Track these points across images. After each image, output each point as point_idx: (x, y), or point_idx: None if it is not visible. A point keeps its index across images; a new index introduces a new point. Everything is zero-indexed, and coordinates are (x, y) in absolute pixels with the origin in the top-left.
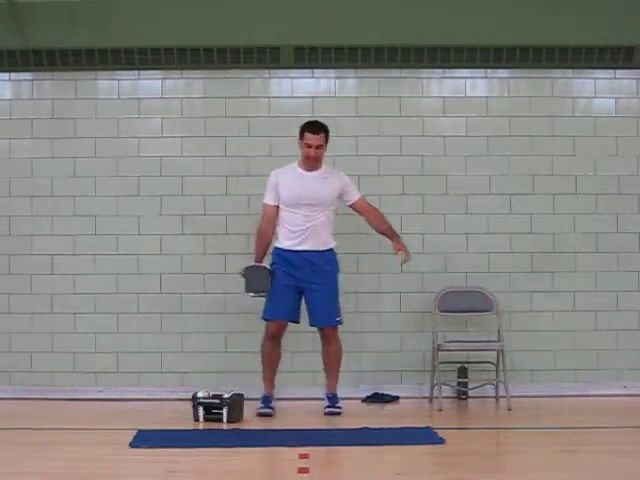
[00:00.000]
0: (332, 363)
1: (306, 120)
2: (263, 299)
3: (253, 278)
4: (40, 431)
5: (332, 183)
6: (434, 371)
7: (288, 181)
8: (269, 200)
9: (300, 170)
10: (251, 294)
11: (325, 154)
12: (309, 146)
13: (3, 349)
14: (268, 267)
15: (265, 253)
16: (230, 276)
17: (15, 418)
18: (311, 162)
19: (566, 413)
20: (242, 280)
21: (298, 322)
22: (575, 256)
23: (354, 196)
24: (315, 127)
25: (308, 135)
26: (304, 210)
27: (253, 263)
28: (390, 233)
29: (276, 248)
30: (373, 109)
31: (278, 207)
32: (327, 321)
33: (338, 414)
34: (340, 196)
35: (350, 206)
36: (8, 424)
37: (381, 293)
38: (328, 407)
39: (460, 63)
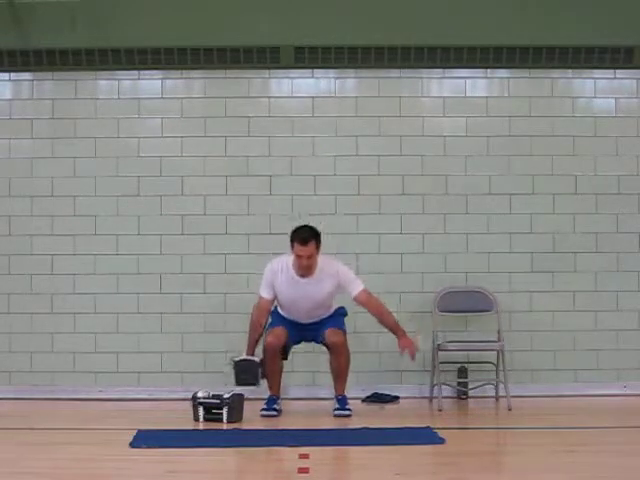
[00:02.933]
0: (341, 372)
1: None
2: None
3: (243, 372)
4: (40, 431)
5: (328, 282)
6: (434, 371)
7: (283, 285)
8: (265, 294)
9: (294, 275)
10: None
11: (325, 154)
12: (300, 257)
13: (3, 349)
14: (258, 360)
15: (257, 344)
16: (230, 276)
17: (15, 418)
18: (305, 271)
19: (566, 413)
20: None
21: (286, 359)
22: (575, 256)
23: (354, 291)
24: (304, 238)
25: (297, 246)
26: (303, 307)
27: (243, 356)
28: (395, 329)
29: (277, 311)
30: (373, 109)
31: (273, 300)
32: (327, 334)
33: (348, 416)
34: (340, 290)
35: (353, 300)
36: (8, 424)
37: (381, 293)
38: (337, 409)
39: (460, 63)
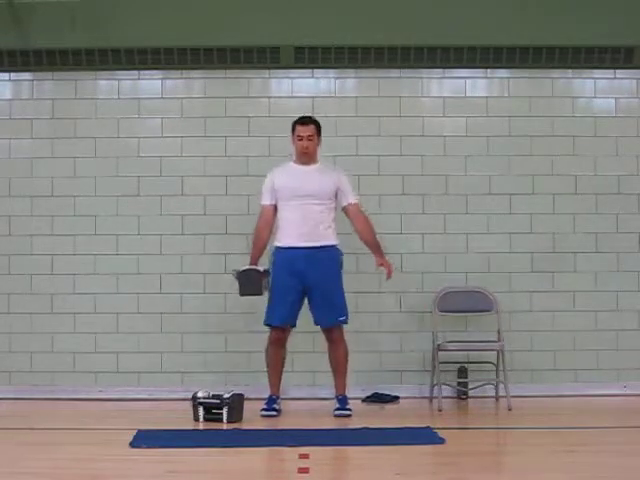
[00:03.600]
0: (339, 366)
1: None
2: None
3: (247, 282)
4: (40, 431)
5: (328, 177)
6: (434, 371)
7: (283, 176)
8: (265, 200)
9: (295, 165)
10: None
11: (325, 154)
12: (300, 138)
13: (3, 349)
14: (261, 269)
15: (261, 254)
16: (230, 276)
17: (15, 418)
18: (304, 155)
19: (566, 413)
20: (236, 282)
21: (295, 326)
22: (575, 256)
23: (348, 199)
24: (304, 119)
25: (298, 127)
26: (302, 204)
27: (247, 266)
28: (374, 247)
29: (277, 248)
30: (373, 109)
31: (275, 207)
32: (330, 320)
33: (348, 416)
34: (336, 195)
35: (342, 209)
36: (8, 424)
37: (381, 293)
38: (338, 409)
39: (460, 63)
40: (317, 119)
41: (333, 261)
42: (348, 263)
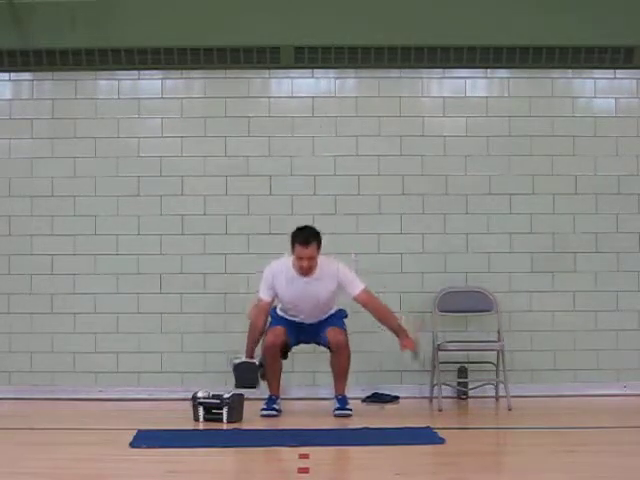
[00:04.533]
0: (341, 370)
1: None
2: None
3: (243, 374)
4: (40, 431)
5: (329, 284)
6: (434, 371)
7: (284, 285)
8: (265, 295)
9: (295, 275)
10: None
11: (325, 154)
12: (301, 258)
13: (3, 349)
14: (257, 363)
15: (256, 346)
16: (230, 276)
17: (15, 418)
18: (304, 272)
19: (566, 413)
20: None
21: (286, 358)
22: (575, 256)
23: (354, 290)
24: (305, 239)
25: (299, 248)
26: (303, 307)
27: (242, 359)
28: (397, 330)
29: (276, 312)
30: (373, 109)
31: (273, 300)
32: (328, 335)
33: (348, 416)
34: (339, 287)
35: (353, 299)
36: (8, 424)
37: (381, 293)
38: (338, 409)
39: (460, 63)
40: (317, 231)
41: (337, 312)
42: (348, 263)
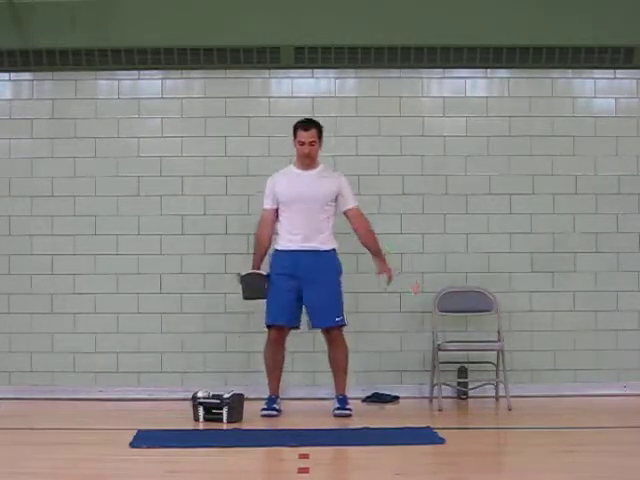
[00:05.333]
0: (339, 367)
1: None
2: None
3: (250, 285)
4: (40, 431)
5: (329, 182)
6: (434, 371)
7: (284, 181)
8: (266, 204)
9: (296, 170)
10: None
11: (324, 154)
12: (302, 143)
13: (3, 349)
14: (264, 273)
15: (263, 258)
16: (230, 276)
17: (15, 418)
18: (306, 159)
19: (566, 413)
20: (239, 286)
21: (298, 327)
22: (575, 256)
23: (349, 203)
24: (306, 123)
25: (300, 132)
26: (302, 208)
27: (250, 270)
28: (375, 251)
29: (276, 250)
30: (373, 109)
31: (277, 210)
32: (327, 321)
33: (348, 416)
34: (337, 199)
35: (344, 213)
36: (8, 424)
37: (381, 293)
38: (338, 409)
39: (460, 63)
40: (319, 121)
41: (331, 266)
42: (348, 263)
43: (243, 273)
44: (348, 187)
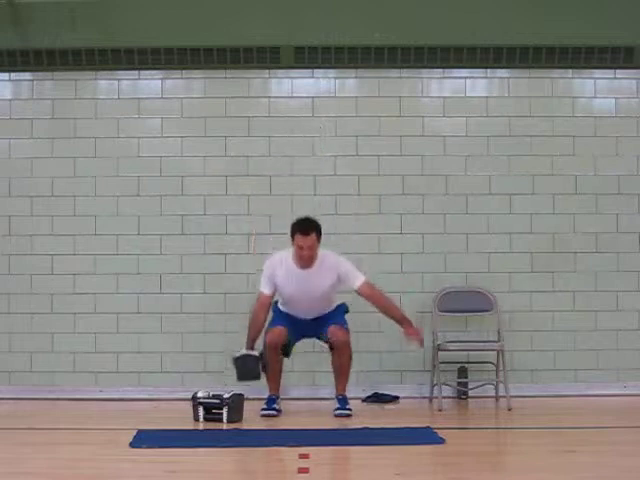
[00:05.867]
0: (343, 370)
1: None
2: None
3: (243, 367)
4: (40, 431)
5: (329, 275)
6: (434, 371)
7: (283, 278)
8: (265, 289)
9: (294, 267)
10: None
11: (325, 154)
12: (301, 247)
13: (3, 349)
14: (257, 354)
15: (257, 338)
16: (230, 276)
17: (15, 418)
18: (306, 263)
19: (566, 413)
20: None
21: (288, 356)
22: (575, 256)
23: (355, 283)
24: (306, 228)
25: (299, 237)
26: (304, 299)
27: (243, 351)
28: (401, 320)
29: (279, 306)
30: (373, 109)
31: (274, 294)
32: (334, 322)
33: (348, 416)
34: (340, 282)
35: (355, 292)
36: (8, 424)
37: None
38: (338, 409)
39: (460, 63)
40: (317, 220)
41: (337, 308)
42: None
43: (237, 355)
44: (348, 268)
